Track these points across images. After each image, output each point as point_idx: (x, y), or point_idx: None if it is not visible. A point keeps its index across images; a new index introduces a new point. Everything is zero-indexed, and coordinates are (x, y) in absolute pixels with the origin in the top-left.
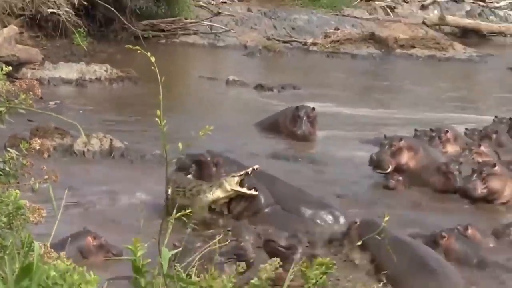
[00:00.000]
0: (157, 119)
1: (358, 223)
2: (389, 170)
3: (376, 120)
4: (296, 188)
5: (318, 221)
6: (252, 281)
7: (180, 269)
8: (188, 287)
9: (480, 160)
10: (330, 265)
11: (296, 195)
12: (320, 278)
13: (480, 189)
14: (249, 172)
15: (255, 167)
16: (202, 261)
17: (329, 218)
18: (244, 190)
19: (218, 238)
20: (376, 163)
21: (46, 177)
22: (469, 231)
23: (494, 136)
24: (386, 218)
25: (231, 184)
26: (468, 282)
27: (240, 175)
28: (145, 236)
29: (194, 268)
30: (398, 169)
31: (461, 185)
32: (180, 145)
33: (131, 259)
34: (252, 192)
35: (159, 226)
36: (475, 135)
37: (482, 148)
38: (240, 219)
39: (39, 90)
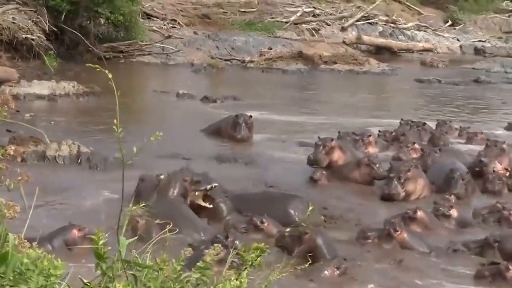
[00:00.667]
0: (114, 127)
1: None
2: (324, 166)
3: (303, 125)
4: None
5: (292, 210)
6: (198, 263)
7: (136, 255)
8: (143, 271)
9: (415, 155)
10: (264, 250)
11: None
12: (255, 260)
13: (402, 194)
14: (208, 189)
15: (214, 185)
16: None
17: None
18: (200, 202)
19: (169, 227)
20: (313, 161)
21: (19, 178)
22: (418, 213)
23: (402, 137)
24: (311, 208)
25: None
26: (419, 268)
27: (201, 190)
28: (107, 227)
29: (149, 254)
30: (329, 166)
31: (382, 182)
32: (134, 149)
33: (94, 247)
34: (207, 205)
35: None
36: (386, 136)
37: (416, 145)
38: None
39: (13, 104)
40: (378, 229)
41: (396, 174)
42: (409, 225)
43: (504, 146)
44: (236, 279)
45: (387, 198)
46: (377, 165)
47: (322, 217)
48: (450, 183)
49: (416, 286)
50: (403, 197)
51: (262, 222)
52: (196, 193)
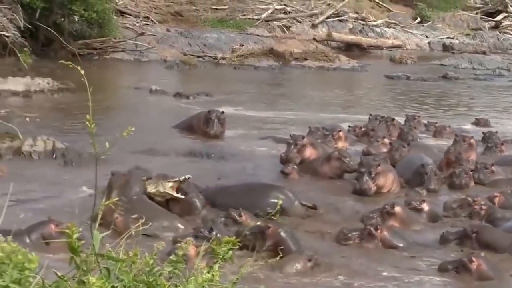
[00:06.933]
0: (87, 122)
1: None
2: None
3: (275, 120)
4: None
5: (274, 200)
6: (171, 257)
7: (110, 249)
8: (116, 264)
9: (385, 149)
10: (235, 243)
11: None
12: (227, 253)
13: (373, 189)
14: (181, 180)
15: (187, 176)
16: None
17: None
18: (173, 193)
19: (141, 221)
20: (286, 160)
21: None
22: (396, 209)
23: (371, 132)
24: (280, 202)
25: (165, 187)
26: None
27: (174, 181)
28: (81, 221)
29: (122, 247)
30: (301, 162)
31: (352, 171)
32: (107, 144)
33: (68, 241)
34: (179, 195)
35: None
36: (356, 131)
37: (385, 139)
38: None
39: None
40: (359, 229)
41: (367, 168)
42: (387, 221)
43: (472, 141)
44: (208, 272)
45: (359, 193)
46: (347, 159)
47: (305, 207)
48: (423, 177)
49: (381, 277)
50: (374, 192)
51: (240, 216)
52: (170, 185)
